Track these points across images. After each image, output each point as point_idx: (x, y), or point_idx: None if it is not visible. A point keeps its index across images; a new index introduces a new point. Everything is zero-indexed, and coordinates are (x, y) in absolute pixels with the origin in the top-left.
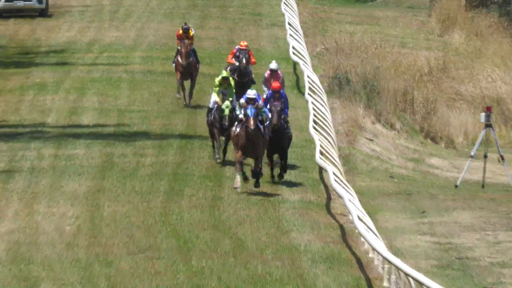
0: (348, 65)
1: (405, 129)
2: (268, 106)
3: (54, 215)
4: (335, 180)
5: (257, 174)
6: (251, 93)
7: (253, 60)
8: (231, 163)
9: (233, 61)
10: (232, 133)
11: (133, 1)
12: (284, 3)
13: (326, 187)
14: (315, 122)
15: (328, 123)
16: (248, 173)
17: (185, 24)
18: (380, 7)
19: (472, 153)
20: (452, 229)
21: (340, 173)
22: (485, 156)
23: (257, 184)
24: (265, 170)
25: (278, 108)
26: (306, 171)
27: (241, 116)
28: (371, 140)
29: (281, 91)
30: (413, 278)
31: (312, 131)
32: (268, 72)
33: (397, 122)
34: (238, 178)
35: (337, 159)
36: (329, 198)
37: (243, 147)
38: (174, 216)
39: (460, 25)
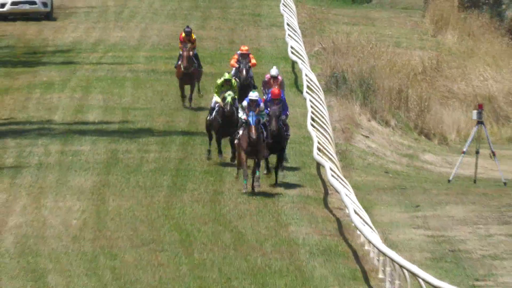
0: (344, 64)
1: (399, 126)
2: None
3: (61, 209)
4: (332, 176)
5: (256, 173)
6: (253, 95)
7: (253, 62)
8: (231, 164)
9: (236, 64)
10: (235, 137)
11: (137, 3)
12: (283, 4)
13: (323, 182)
14: (313, 119)
15: (326, 120)
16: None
17: (187, 27)
18: (376, 8)
19: (464, 149)
20: (445, 222)
21: (337, 168)
22: (477, 152)
23: (256, 184)
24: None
25: (277, 113)
26: (304, 167)
27: (243, 116)
28: (367, 136)
29: (282, 96)
30: (408, 270)
31: (310, 128)
32: (268, 76)
33: (392, 120)
34: (244, 180)
35: (334, 155)
36: (326, 193)
37: (246, 151)
38: (176, 210)
39: (453, 25)
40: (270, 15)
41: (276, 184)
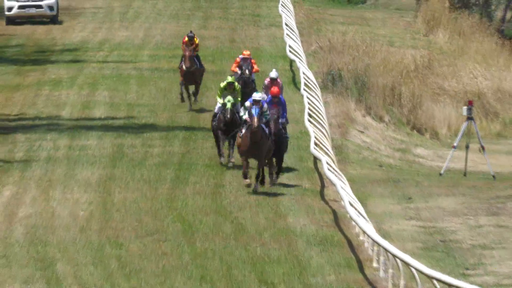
0: (340, 63)
1: (393, 122)
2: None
3: (69, 201)
4: (329, 169)
5: (259, 176)
6: (257, 95)
7: (256, 68)
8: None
9: (237, 69)
10: (238, 136)
11: (141, 3)
12: (281, 4)
13: (320, 175)
14: (310, 115)
15: (322, 116)
16: (253, 179)
17: (191, 32)
18: (370, 9)
19: (455, 144)
20: (436, 214)
21: (333, 162)
22: (467, 147)
23: (257, 186)
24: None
25: (275, 117)
26: (302, 161)
27: (245, 116)
28: (361, 132)
29: (280, 96)
30: (400, 259)
31: (307, 123)
32: (268, 79)
33: (385, 115)
34: (246, 176)
35: (330, 150)
36: (323, 185)
37: (248, 148)
38: (179, 202)
39: (444, 25)
40: (269, 15)
41: (272, 185)
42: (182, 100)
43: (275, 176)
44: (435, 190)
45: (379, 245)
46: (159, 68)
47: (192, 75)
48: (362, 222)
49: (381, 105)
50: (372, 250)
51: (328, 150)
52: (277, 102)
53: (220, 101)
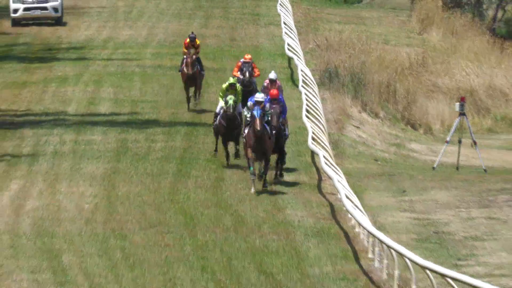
0: (337, 60)
1: (388, 117)
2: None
3: (74, 194)
4: (326, 163)
5: (264, 174)
6: (259, 96)
7: (257, 72)
8: (233, 166)
9: (238, 74)
10: (242, 136)
11: (144, 3)
12: (280, 4)
13: (317, 169)
14: (307, 111)
15: (319, 112)
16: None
17: (192, 33)
18: (366, 8)
19: (447, 139)
20: (429, 206)
21: (330, 156)
22: (459, 142)
23: (265, 185)
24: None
25: (278, 111)
26: (300, 155)
27: (249, 116)
28: (357, 127)
29: (280, 96)
30: (395, 250)
31: (305, 119)
32: (267, 81)
33: (381, 111)
34: (252, 182)
35: (327, 144)
36: (320, 179)
37: (253, 147)
38: (181, 195)
39: (438, 24)
40: (268, 15)
41: (275, 180)
42: (188, 99)
43: (279, 173)
44: (429, 183)
45: (374, 236)
46: (162, 66)
47: (194, 79)
48: (358, 214)
49: (376, 102)
50: (368, 242)
51: (325, 145)
52: (277, 103)
53: (222, 103)
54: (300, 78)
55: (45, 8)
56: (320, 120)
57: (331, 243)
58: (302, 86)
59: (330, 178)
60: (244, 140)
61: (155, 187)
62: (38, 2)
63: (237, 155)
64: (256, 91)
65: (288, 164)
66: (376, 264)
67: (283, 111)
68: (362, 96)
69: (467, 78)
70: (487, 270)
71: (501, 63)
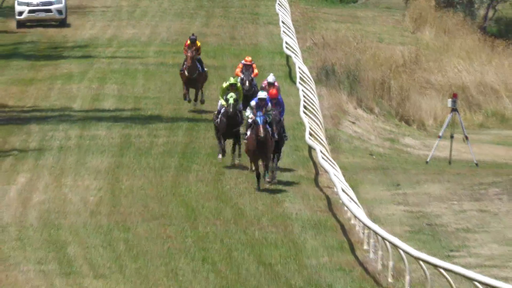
0: (333, 58)
1: (382, 113)
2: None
3: (79, 188)
4: (322, 158)
5: (266, 172)
6: (262, 94)
7: (255, 72)
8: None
9: (240, 74)
10: (243, 138)
11: (148, 3)
12: (278, 4)
13: (314, 163)
14: (305, 107)
15: (316, 108)
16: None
17: (193, 35)
18: (361, 7)
19: (440, 134)
20: (423, 199)
21: (327, 151)
22: (452, 137)
23: (265, 180)
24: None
25: (277, 119)
26: (297, 150)
27: (250, 115)
28: (353, 122)
29: (279, 97)
30: (389, 242)
31: (302, 115)
32: (265, 82)
33: (375, 107)
34: (256, 179)
35: (324, 139)
36: (317, 173)
37: (254, 150)
38: (183, 188)
39: (430, 23)
40: (267, 14)
41: (272, 181)
42: (185, 97)
43: (275, 173)
44: (422, 177)
45: (369, 228)
46: (164, 63)
47: (194, 81)
48: (353, 207)
49: (371, 98)
50: (363, 233)
51: (322, 140)
52: (276, 103)
53: (222, 101)
54: (298, 75)
55: (49, 11)
56: (317, 116)
57: (328, 235)
58: (299, 83)
59: (326, 172)
60: (246, 141)
61: (158, 180)
62: (42, 5)
63: (239, 155)
64: (256, 93)
65: (286, 158)
66: (371, 255)
67: (281, 112)
68: (358, 93)
69: (459, 75)
70: (478, 261)
71: (491, 61)
